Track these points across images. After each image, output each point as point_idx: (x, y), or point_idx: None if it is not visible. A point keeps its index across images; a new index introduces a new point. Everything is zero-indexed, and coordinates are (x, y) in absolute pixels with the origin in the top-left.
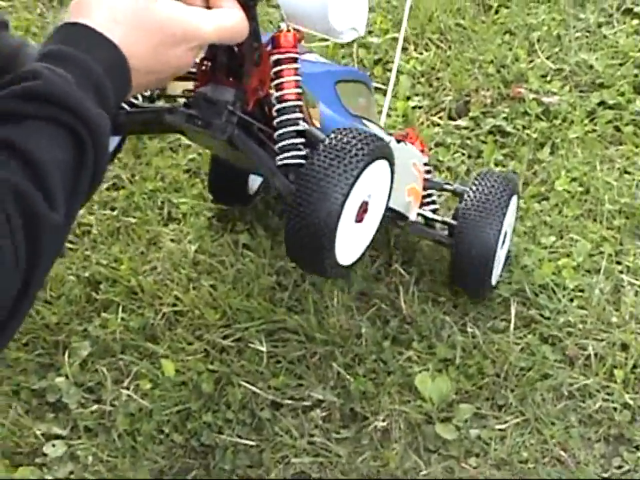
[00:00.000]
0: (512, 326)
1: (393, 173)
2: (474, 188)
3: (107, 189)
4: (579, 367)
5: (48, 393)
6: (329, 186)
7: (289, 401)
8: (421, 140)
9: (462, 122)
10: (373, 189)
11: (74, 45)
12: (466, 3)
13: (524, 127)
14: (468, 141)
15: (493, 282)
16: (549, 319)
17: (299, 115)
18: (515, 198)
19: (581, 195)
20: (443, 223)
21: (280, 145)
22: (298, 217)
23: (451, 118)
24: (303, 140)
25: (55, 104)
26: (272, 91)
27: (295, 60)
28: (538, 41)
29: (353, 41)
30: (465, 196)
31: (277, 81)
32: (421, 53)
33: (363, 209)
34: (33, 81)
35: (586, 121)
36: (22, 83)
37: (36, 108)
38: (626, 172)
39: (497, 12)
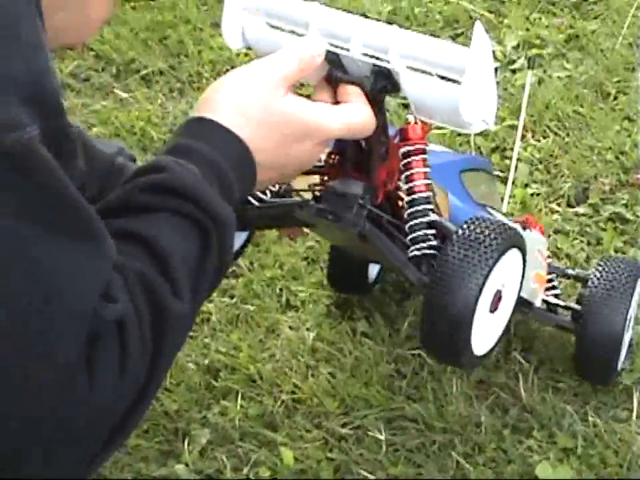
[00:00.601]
0: (634, 414)
1: (525, 260)
2: (598, 273)
3: (227, 277)
4: None
5: None
6: (465, 277)
7: None
8: (541, 225)
9: (581, 209)
10: (507, 277)
11: (200, 139)
12: (584, 90)
13: None
14: (587, 228)
15: (618, 368)
16: None
17: (430, 206)
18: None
19: None
20: (567, 308)
21: (411, 236)
22: (434, 308)
23: (569, 205)
24: (433, 231)
25: (181, 196)
26: (400, 183)
27: (423, 151)
28: None
29: None
30: (590, 282)
31: (406, 173)
32: (539, 140)
33: (497, 297)
34: (159, 173)
35: None
36: (147, 176)
37: (162, 200)
38: None
39: (615, 98)
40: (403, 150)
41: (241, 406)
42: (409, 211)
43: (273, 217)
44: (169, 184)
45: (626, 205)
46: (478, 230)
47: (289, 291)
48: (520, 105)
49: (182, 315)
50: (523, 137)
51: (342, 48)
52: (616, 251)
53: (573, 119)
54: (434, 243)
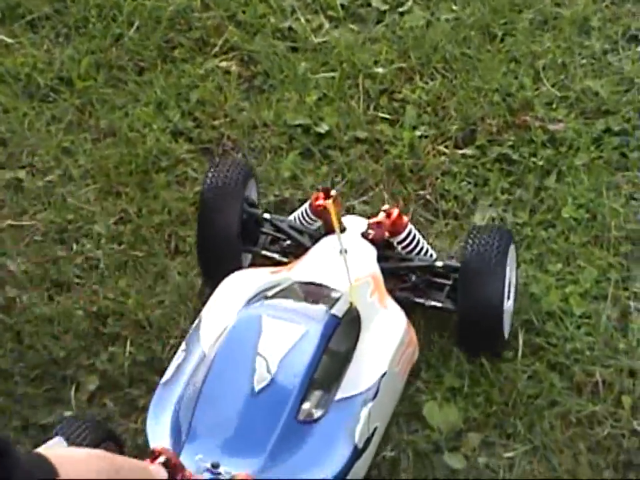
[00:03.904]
0: (519, 354)
1: None
2: (469, 247)
3: (115, 223)
4: (586, 394)
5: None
6: None
7: None
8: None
9: (468, 150)
10: None
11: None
12: (471, 32)
13: (530, 155)
14: (474, 170)
15: (505, 336)
16: (556, 346)
17: None
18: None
19: (587, 221)
20: (442, 286)
21: None
22: None
23: (457, 147)
24: None
25: None
26: None
27: None
28: (543, 68)
29: (359, 71)
30: (462, 256)
31: None
32: (427, 83)
33: None
34: None
35: (592, 148)
36: None
37: None
38: (632, 198)
39: (502, 40)
40: None
41: (130, 352)
42: None
43: None
44: None
45: (512, 146)
46: None
47: (177, 236)
48: (408, 48)
49: None
50: (411, 79)
51: None
52: (502, 192)
53: (460, 61)
54: None
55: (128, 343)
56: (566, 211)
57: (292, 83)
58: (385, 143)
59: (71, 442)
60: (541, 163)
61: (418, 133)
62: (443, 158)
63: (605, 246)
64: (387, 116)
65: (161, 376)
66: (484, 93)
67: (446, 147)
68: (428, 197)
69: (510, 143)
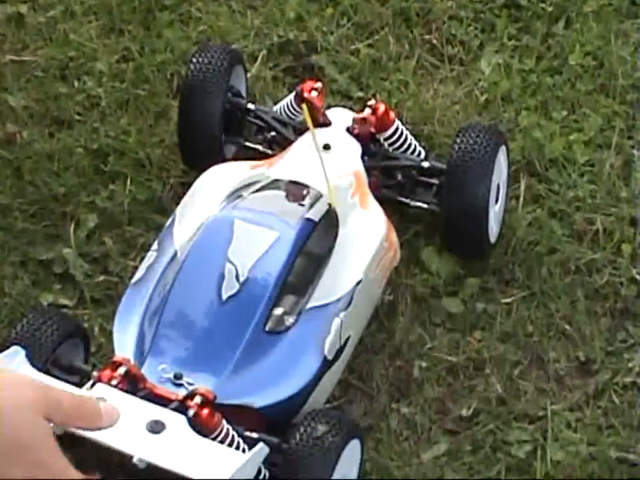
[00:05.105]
0: (521, 200)
1: None
2: (456, 145)
3: (117, 61)
4: (586, 241)
5: (55, 264)
6: None
7: None
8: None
9: None
10: None
11: None
12: None
13: (538, 1)
14: (482, 15)
15: (491, 240)
16: (558, 193)
17: None
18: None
19: (594, 69)
20: (429, 185)
21: None
22: None
23: None
24: None
25: None
26: None
27: None
28: None
29: None
30: (449, 155)
31: None
32: None
33: None
34: None
35: None
36: None
37: None
38: None
39: None
40: None
41: (130, 190)
42: None
43: None
44: None
45: None
46: None
47: (179, 75)
48: None
49: None
50: None
51: None
52: (509, 38)
53: None
54: None
55: (128, 181)
56: (573, 58)
57: None
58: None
59: (35, 339)
60: (549, 9)
61: None
62: (450, 2)
63: (611, 94)
64: None
65: (161, 215)
66: None
67: None
68: (434, 41)
69: None
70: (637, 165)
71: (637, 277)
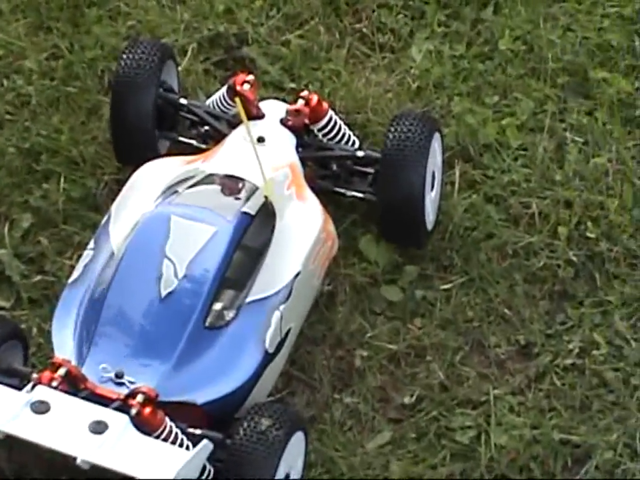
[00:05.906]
0: (456, 186)
1: None
2: (390, 134)
3: (46, 59)
4: (523, 225)
5: None
6: None
7: None
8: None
9: None
10: None
11: None
12: None
13: None
14: (411, 2)
15: (428, 228)
16: (493, 178)
17: None
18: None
19: (524, 53)
20: (364, 174)
21: None
22: None
23: None
24: None
25: None
26: None
27: None
28: None
29: None
30: (384, 144)
31: None
32: None
33: None
34: None
35: None
36: None
37: None
38: (569, 29)
39: None
40: None
41: (64, 189)
42: None
43: None
44: None
45: None
46: None
47: (110, 71)
48: None
49: None
50: None
51: None
52: (439, 25)
53: None
54: None
55: (62, 179)
56: (503, 43)
57: None
58: None
59: None
60: None
61: None
62: None
63: (542, 78)
64: None
65: (96, 213)
66: None
67: None
68: (364, 30)
69: None
70: (570, 148)
71: (574, 258)
